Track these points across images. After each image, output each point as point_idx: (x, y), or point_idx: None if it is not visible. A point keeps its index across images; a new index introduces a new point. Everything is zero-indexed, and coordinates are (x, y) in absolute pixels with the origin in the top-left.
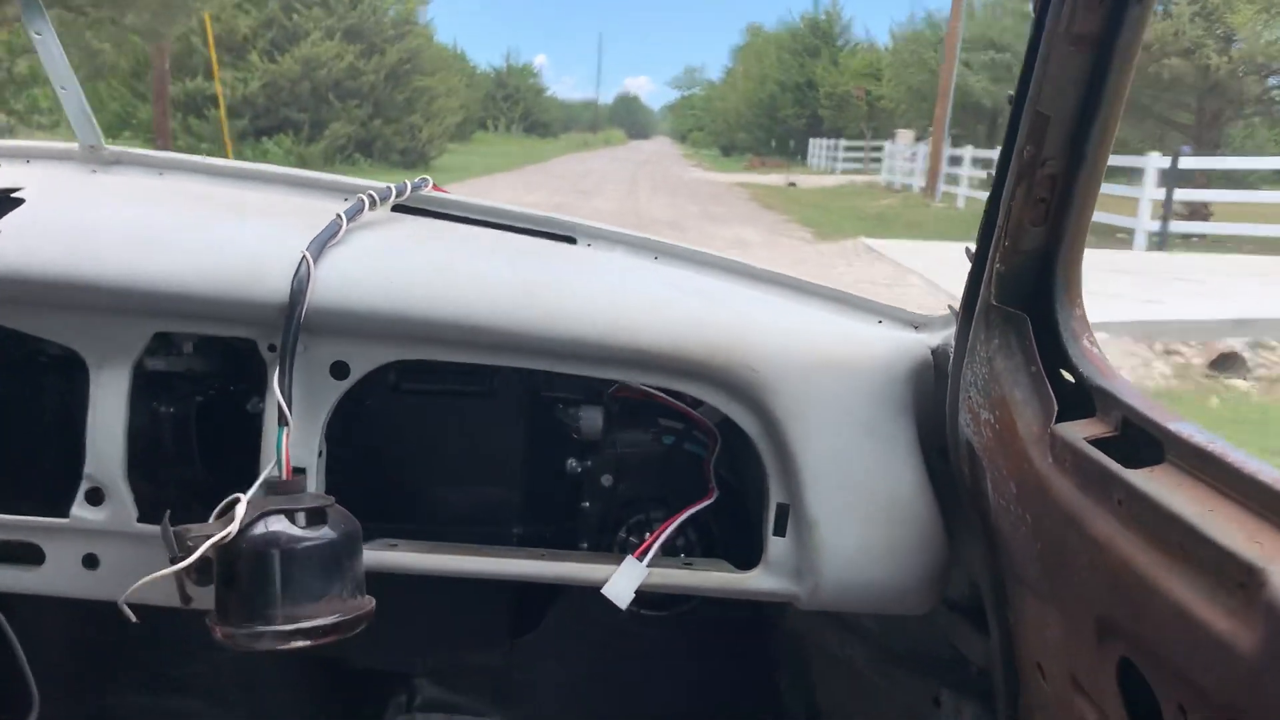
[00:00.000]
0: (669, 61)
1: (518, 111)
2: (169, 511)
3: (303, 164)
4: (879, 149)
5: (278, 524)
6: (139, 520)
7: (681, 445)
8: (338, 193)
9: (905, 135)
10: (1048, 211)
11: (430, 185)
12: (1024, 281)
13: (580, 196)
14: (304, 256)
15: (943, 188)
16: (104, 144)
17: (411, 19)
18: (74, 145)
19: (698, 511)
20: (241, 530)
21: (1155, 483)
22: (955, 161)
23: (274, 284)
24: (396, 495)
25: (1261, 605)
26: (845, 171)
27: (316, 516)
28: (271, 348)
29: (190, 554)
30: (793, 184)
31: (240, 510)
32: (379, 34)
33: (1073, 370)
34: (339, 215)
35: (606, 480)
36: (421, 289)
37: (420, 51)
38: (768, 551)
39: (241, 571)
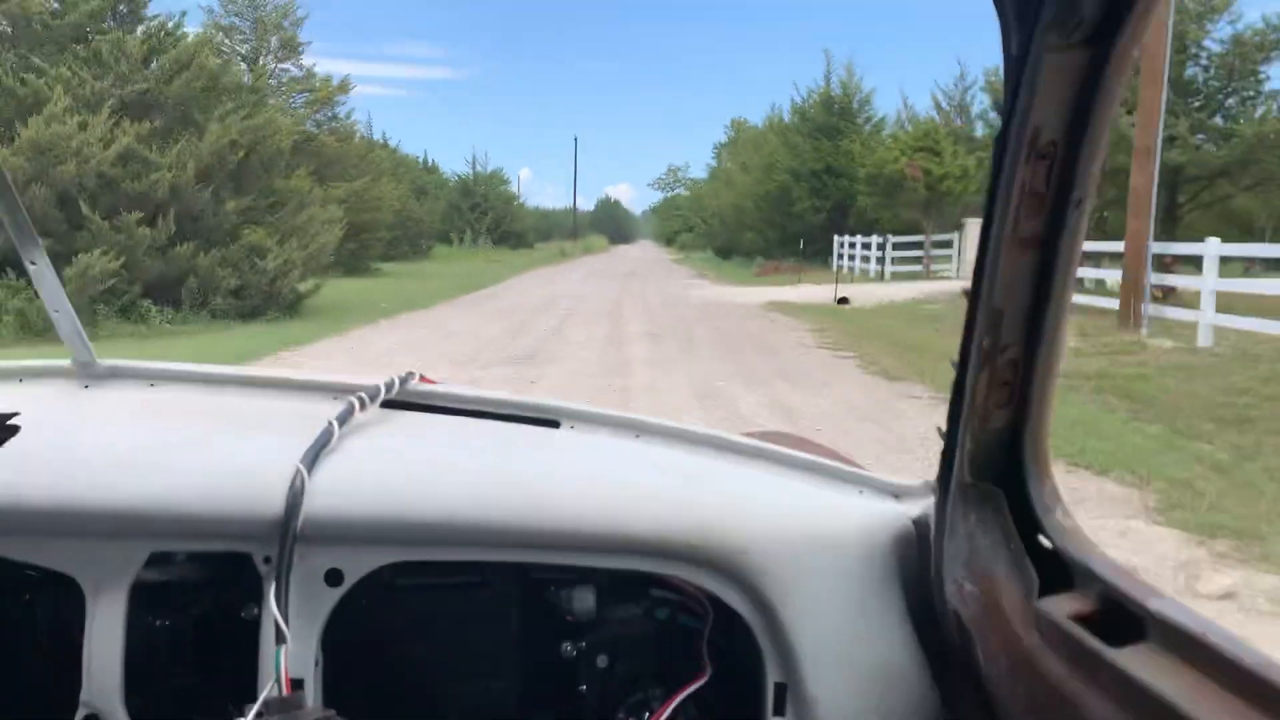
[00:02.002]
0: (649, 166)
1: (485, 222)
2: None
3: (25, 325)
4: (946, 244)
5: None
6: None
7: (676, 619)
8: (329, 394)
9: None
10: (1012, 393)
11: (418, 378)
12: (995, 458)
13: (515, 370)
14: (298, 470)
15: (1150, 309)
16: (96, 359)
17: (261, 85)
18: (66, 362)
19: (696, 690)
20: None
21: (1139, 663)
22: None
23: (269, 498)
24: (396, 693)
25: None
26: (899, 275)
27: None
28: (267, 559)
29: None
30: (844, 300)
31: None
32: (192, 103)
33: (1051, 542)
34: (330, 422)
35: (602, 661)
36: (411, 491)
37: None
38: None
39: None
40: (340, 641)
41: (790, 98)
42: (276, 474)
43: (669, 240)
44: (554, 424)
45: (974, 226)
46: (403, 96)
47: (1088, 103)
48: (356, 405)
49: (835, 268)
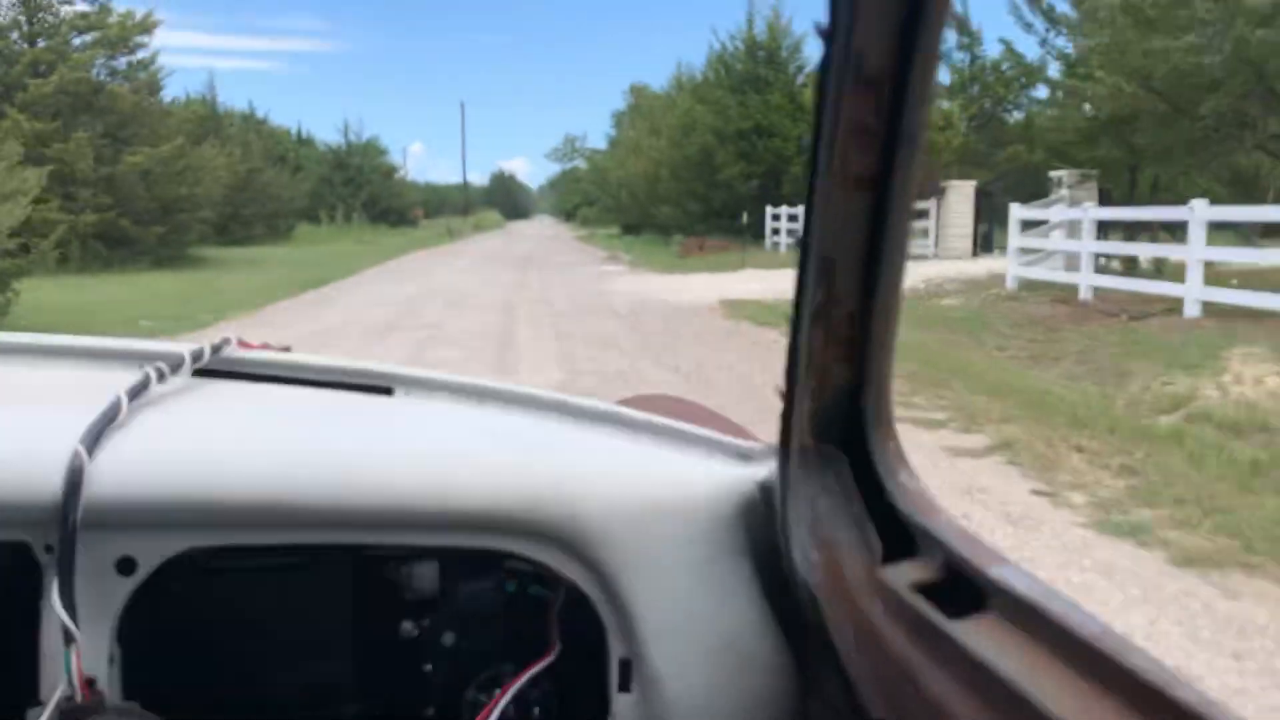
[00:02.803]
0: (545, 139)
1: (360, 197)
2: None
3: None
4: (919, 214)
5: None
6: None
7: (526, 591)
8: (132, 361)
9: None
10: (850, 349)
11: (235, 343)
12: (836, 418)
13: None
14: (76, 450)
15: None
16: None
17: None
18: None
19: (546, 667)
20: None
21: (979, 636)
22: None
23: (44, 482)
24: (215, 686)
25: None
26: None
27: None
28: (48, 548)
29: None
30: None
31: None
32: None
33: (892, 507)
34: (119, 395)
35: (448, 639)
36: (214, 469)
37: None
38: (615, 710)
39: None
40: (144, 634)
41: (709, 44)
42: (56, 454)
43: (569, 215)
44: (387, 391)
45: (960, 188)
46: (280, 70)
47: (913, 25)
48: (154, 376)
49: (769, 245)
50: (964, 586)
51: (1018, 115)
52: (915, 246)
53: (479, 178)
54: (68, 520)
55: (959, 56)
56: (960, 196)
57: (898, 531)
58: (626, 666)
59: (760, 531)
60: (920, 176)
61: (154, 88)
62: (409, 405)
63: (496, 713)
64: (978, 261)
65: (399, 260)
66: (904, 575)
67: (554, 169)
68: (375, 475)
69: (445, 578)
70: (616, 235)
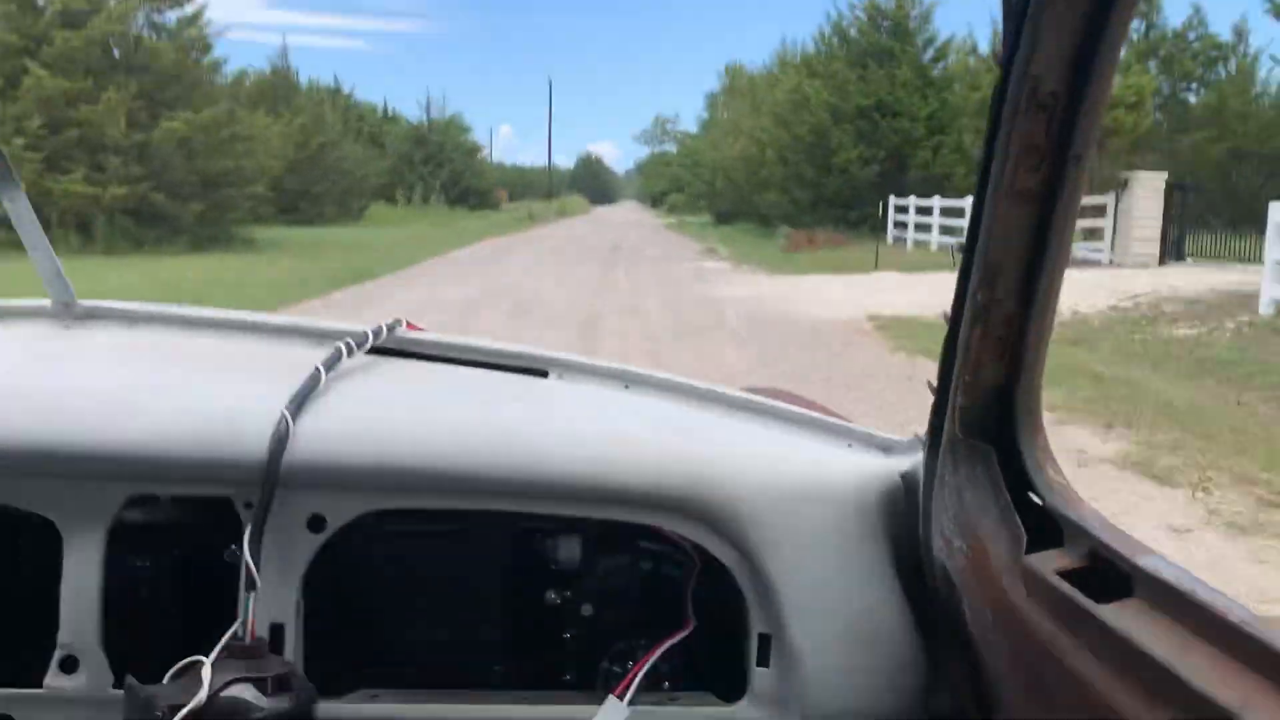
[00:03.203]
0: (633, 122)
1: (440, 177)
2: (129, 677)
3: None
4: (1095, 210)
5: (246, 692)
6: (114, 687)
7: (661, 570)
8: (314, 339)
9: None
10: (1004, 349)
11: (405, 324)
12: (986, 414)
13: None
14: (283, 415)
15: None
16: (76, 300)
17: None
18: (46, 301)
19: (680, 641)
20: (212, 696)
21: (1127, 619)
22: None
23: (252, 443)
24: (377, 640)
25: None
26: None
27: (281, 684)
28: (248, 504)
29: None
30: None
31: (206, 675)
32: None
33: (1040, 499)
34: (317, 368)
35: (587, 610)
36: (397, 439)
37: None
38: (752, 683)
39: None
40: (324, 587)
41: (826, 12)
42: (260, 418)
43: (655, 200)
44: (542, 373)
45: (1148, 181)
46: (367, 49)
47: (1090, 52)
48: (344, 351)
49: (889, 239)
50: (1110, 575)
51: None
52: (1079, 249)
53: (566, 160)
54: (270, 478)
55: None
56: (1147, 191)
57: (1043, 525)
58: (766, 641)
59: (900, 520)
60: (1084, 189)
61: (202, 45)
62: (563, 387)
63: (636, 682)
64: (1169, 270)
65: (472, 248)
66: (1049, 563)
67: (642, 152)
68: (535, 449)
69: (586, 553)
70: (709, 224)
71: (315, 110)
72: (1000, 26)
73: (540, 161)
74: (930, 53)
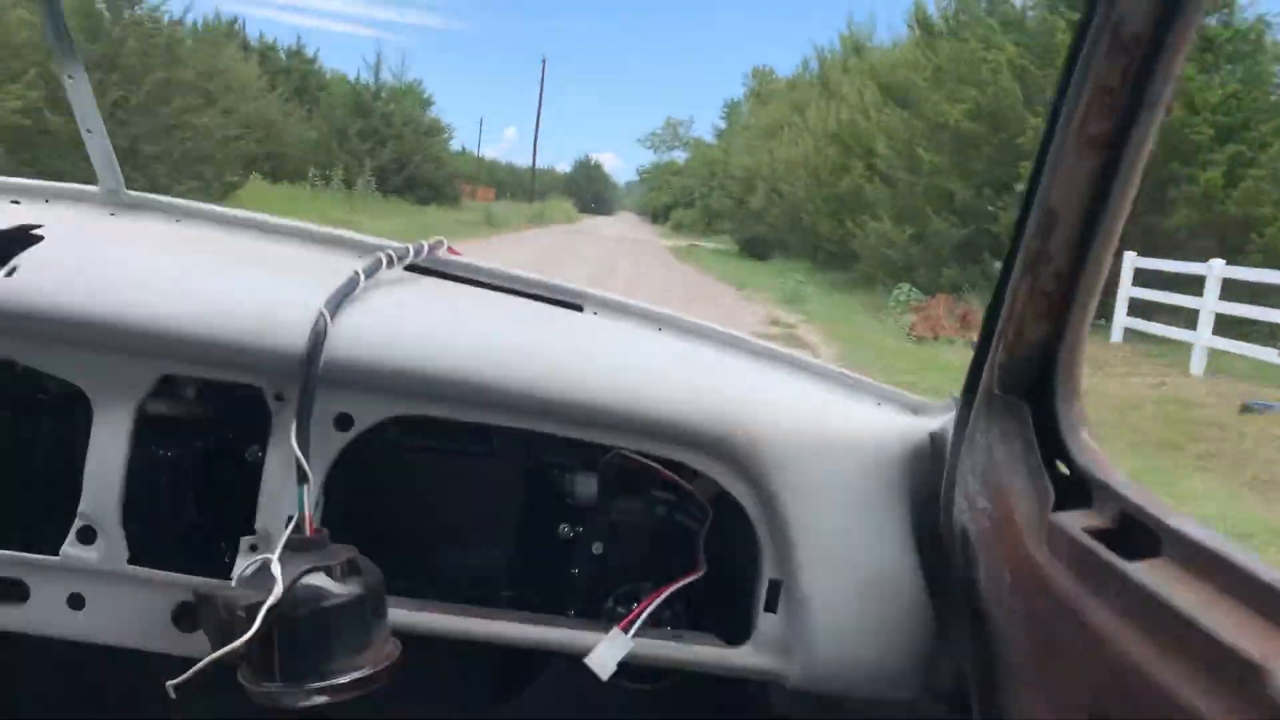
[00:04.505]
0: (638, 129)
1: (380, 157)
2: (201, 583)
3: None
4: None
5: (320, 580)
6: (129, 562)
7: (674, 517)
8: (354, 250)
9: None
10: (1051, 305)
11: (445, 247)
12: (1026, 372)
13: None
14: (321, 313)
15: None
16: (125, 189)
17: None
18: (94, 188)
19: (687, 585)
20: (288, 589)
21: (1153, 575)
22: None
23: (287, 335)
24: (390, 550)
25: (1262, 703)
26: None
27: (351, 569)
28: (278, 396)
29: (251, 625)
30: None
31: (277, 570)
32: None
33: (1070, 462)
34: (356, 272)
35: (597, 548)
36: (428, 346)
37: None
38: (758, 627)
39: (291, 631)
40: (342, 488)
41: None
42: (298, 312)
43: (656, 216)
44: (578, 307)
45: None
46: (377, 37)
47: None
48: (384, 261)
49: (1118, 330)
50: (1138, 536)
51: None
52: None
53: (563, 163)
54: (309, 373)
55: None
56: None
57: (1073, 486)
58: (776, 587)
59: (922, 481)
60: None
61: None
62: (598, 321)
63: (645, 615)
64: None
65: None
66: (1076, 521)
67: (646, 159)
68: (568, 372)
69: (603, 492)
70: (733, 255)
71: (206, 54)
72: None
73: (543, 165)
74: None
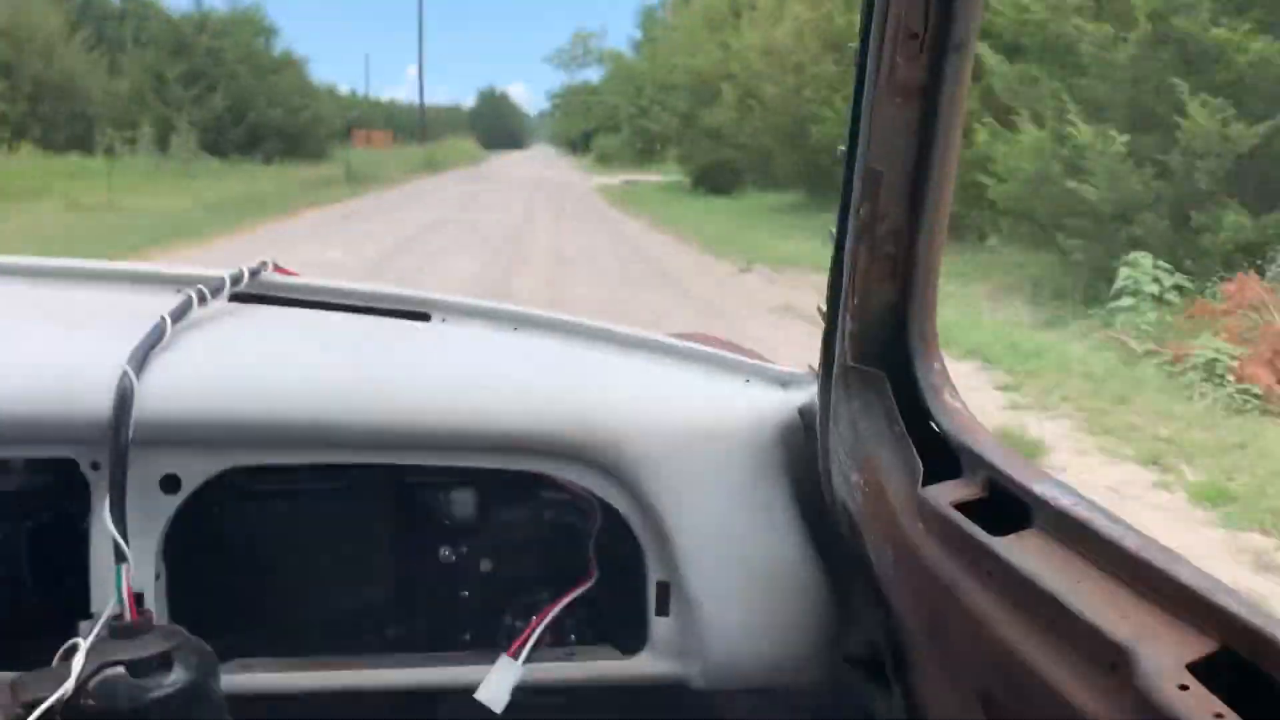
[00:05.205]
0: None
1: (214, 106)
2: None
3: None
4: None
5: (118, 677)
6: None
7: (562, 520)
8: (170, 285)
9: None
10: (894, 267)
11: (271, 267)
12: (878, 339)
13: None
14: (125, 371)
15: None
16: None
17: None
18: None
19: (583, 593)
20: (80, 686)
21: (1022, 552)
22: None
23: (94, 400)
24: (252, 609)
25: (1132, 689)
26: None
27: (162, 663)
28: (94, 465)
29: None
30: None
31: (78, 663)
32: None
33: (938, 426)
34: (163, 318)
35: (485, 565)
36: (251, 389)
37: None
38: (652, 634)
39: None
40: (188, 553)
41: None
42: (103, 373)
43: (575, 146)
44: (424, 316)
45: None
46: None
47: None
48: (195, 299)
49: None
50: (1008, 504)
51: None
52: None
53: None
54: (119, 438)
55: None
56: None
57: (940, 452)
58: (664, 590)
59: (799, 456)
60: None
61: None
62: (446, 330)
63: (534, 637)
64: None
65: None
66: (946, 494)
67: (557, 83)
68: (415, 397)
69: (483, 506)
70: (683, 189)
71: None
72: None
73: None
74: None
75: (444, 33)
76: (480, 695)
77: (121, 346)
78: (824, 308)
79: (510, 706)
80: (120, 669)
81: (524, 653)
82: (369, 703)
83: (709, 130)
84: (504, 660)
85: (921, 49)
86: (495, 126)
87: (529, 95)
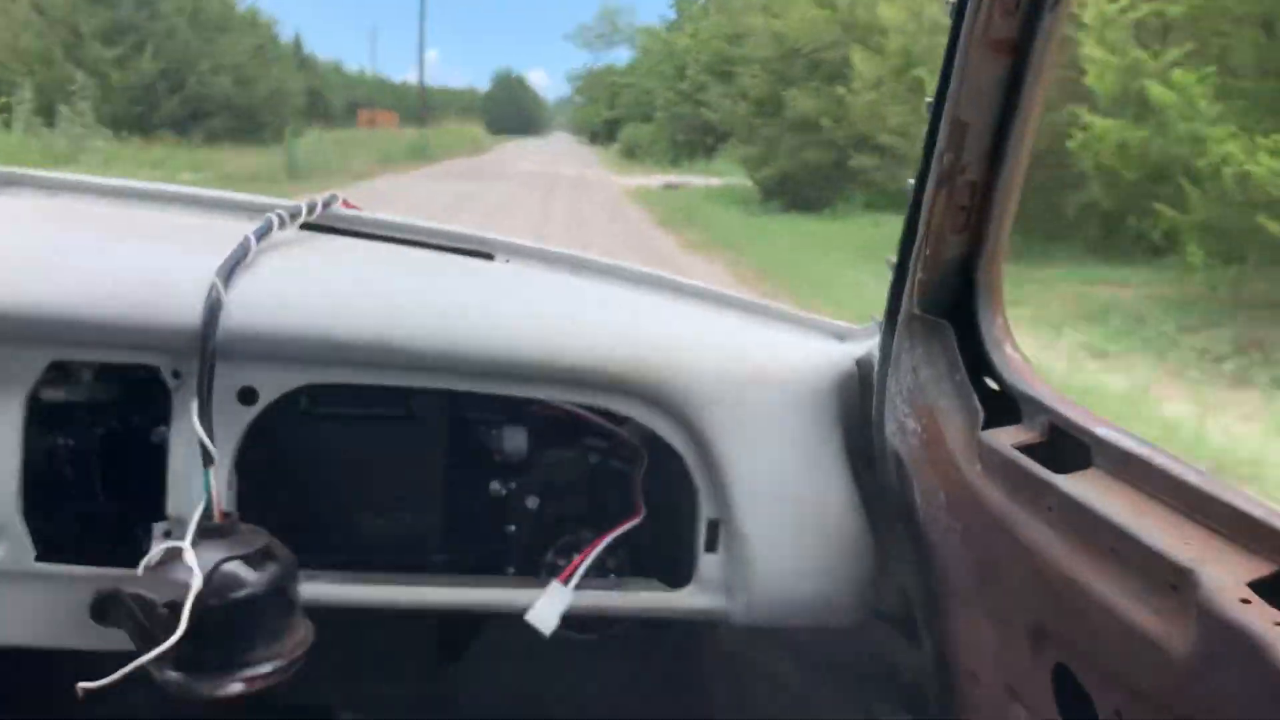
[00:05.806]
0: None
1: (142, 73)
2: (108, 582)
3: None
4: None
5: (237, 569)
6: (37, 559)
7: (608, 463)
8: (245, 212)
9: None
10: (968, 219)
11: (340, 201)
12: (946, 290)
13: None
14: (214, 283)
15: None
16: None
17: None
18: None
19: (627, 530)
20: (206, 579)
21: (1084, 487)
22: None
23: (180, 309)
24: (311, 524)
25: (1193, 606)
26: None
27: (265, 555)
28: (175, 374)
29: (176, 622)
30: None
31: (192, 560)
32: None
33: (997, 377)
34: (247, 237)
35: (532, 502)
36: (330, 309)
37: None
38: (699, 568)
39: (208, 622)
40: (255, 465)
41: None
42: (189, 285)
43: (596, 135)
44: (488, 256)
45: None
46: None
47: None
48: (275, 222)
49: None
50: (1068, 448)
51: None
52: None
53: (480, 81)
54: (206, 347)
55: None
56: None
57: (1001, 402)
58: (715, 527)
59: (853, 406)
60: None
61: None
62: (510, 269)
63: (585, 566)
64: None
65: None
66: (1006, 438)
67: (579, 63)
68: (484, 327)
69: (533, 445)
70: (753, 200)
71: None
72: None
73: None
74: None
75: (467, 16)
76: (530, 617)
77: (208, 261)
78: (893, 258)
79: (541, 641)
80: (238, 562)
81: (574, 579)
82: (415, 622)
83: (800, 122)
84: (555, 585)
85: (1018, 4)
86: (509, 111)
87: (549, 81)
